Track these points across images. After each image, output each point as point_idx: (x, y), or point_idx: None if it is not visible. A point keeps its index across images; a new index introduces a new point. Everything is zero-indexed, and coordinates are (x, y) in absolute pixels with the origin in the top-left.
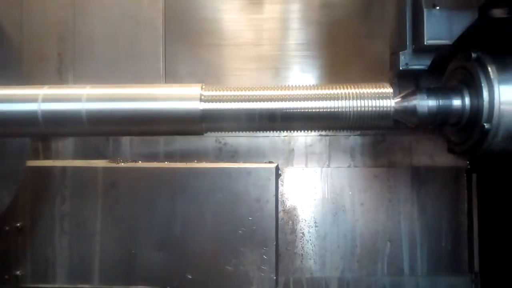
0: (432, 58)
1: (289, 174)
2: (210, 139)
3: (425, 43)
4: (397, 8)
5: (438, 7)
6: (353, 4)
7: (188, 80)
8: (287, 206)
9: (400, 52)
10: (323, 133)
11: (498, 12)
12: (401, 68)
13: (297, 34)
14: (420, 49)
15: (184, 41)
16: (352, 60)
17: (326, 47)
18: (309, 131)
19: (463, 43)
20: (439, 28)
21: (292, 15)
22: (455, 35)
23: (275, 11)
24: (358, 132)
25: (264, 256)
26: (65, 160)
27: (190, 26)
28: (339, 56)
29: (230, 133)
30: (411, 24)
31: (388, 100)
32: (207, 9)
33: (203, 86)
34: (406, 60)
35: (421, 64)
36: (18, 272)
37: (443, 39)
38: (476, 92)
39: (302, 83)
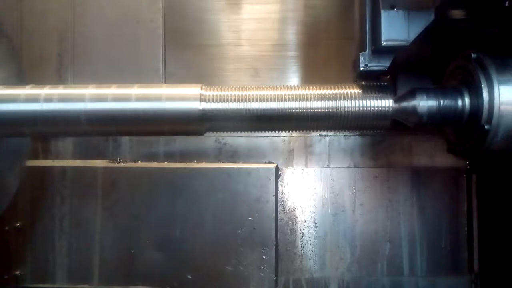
0: (392, 59)
1: (289, 175)
2: (209, 139)
3: (382, 44)
4: (360, 9)
5: (395, 9)
6: (334, 5)
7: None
8: (287, 207)
9: (360, 53)
10: (323, 133)
11: (456, 13)
12: (360, 69)
13: (279, 34)
14: (378, 50)
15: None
16: (332, 61)
17: (307, 47)
18: (309, 131)
19: (462, 44)
20: (397, 29)
21: (275, 15)
22: (412, 36)
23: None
24: (358, 133)
25: (264, 256)
26: (64, 160)
27: (178, 27)
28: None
29: (230, 133)
30: (371, 25)
31: (387, 101)
32: (199, 10)
33: (203, 86)
34: (366, 61)
35: (380, 65)
36: (17, 272)
37: (400, 40)
38: (476, 92)
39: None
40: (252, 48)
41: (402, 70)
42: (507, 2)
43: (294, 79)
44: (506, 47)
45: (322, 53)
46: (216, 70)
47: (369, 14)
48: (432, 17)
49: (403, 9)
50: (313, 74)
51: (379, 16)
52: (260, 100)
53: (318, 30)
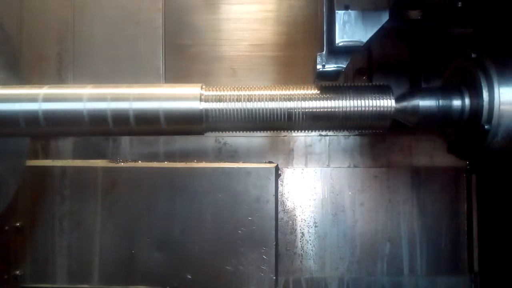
0: (349, 60)
1: (288, 174)
2: (210, 139)
3: (335, 44)
4: (320, 10)
5: (349, 9)
6: (311, 5)
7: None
8: (287, 206)
9: (318, 54)
10: (323, 133)
11: (413, 14)
12: (318, 70)
13: (256, 34)
14: (334, 51)
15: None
16: (311, 60)
17: (285, 47)
18: (309, 131)
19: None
20: (351, 30)
21: (253, 15)
22: (367, 37)
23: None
24: (358, 132)
25: (263, 256)
26: (65, 160)
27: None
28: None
29: (230, 133)
30: (327, 26)
31: (388, 100)
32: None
33: (203, 86)
34: (323, 62)
35: (338, 65)
36: (17, 272)
37: (355, 41)
38: (476, 92)
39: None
40: (230, 48)
41: (378, 70)
42: (459, 3)
43: (272, 79)
44: (506, 48)
45: (300, 53)
46: (195, 70)
47: (326, 14)
48: (387, 17)
49: (357, 9)
50: (291, 74)
51: (333, 16)
52: (261, 100)
53: (297, 30)
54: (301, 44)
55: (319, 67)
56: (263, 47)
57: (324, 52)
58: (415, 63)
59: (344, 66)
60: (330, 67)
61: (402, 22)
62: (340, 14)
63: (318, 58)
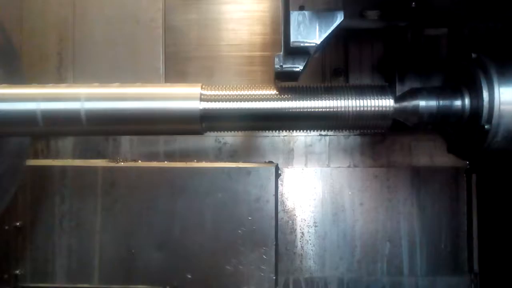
0: (306, 60)
1: (288, 174)
2: (210, 139)
3: (290, 44)
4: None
5: (304, 9)
6: None
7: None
8: (287, 206)
9: (275, 54)
10: (323, 133)
11: (370, 14)
12: (276, 70)
13: (234, 35)
14: (290, 51)
15: None
16: None
17: (264, 47)
18: (309, 131)
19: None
20: (306, 30)
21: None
22: (321, 37)
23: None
24: (358, 132)
25: (263, 256)
26: (65, 160)
27: None
28: None
29: (230, 133)
30: (284, 26)
31: (388, 100)
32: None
33: (203, 86)
34: (281, 62)
35: (295, 66)
36: (17, 272)
37: (309, 42)
38: (476, 92)
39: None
40: (208, 48)
41: (354, 70)
42: (413, 3)
43: (252, 80)
44: (506, 48)
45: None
46: (174, 70)
47: (283, 14)
48: (341, 18)
49: (311, 10)
50: (270, 74)
51: (288, 17)
52: (261, 100)
53: (275, 30)
54: (279, 45)
55: (277, 67)
56: (241, 47)
57: (281, 53)
58: (390, 63)
59: (301, 67)
60: (288, 67)
61: (360, 23)
62: (294, 15)
63: (276, 58)
